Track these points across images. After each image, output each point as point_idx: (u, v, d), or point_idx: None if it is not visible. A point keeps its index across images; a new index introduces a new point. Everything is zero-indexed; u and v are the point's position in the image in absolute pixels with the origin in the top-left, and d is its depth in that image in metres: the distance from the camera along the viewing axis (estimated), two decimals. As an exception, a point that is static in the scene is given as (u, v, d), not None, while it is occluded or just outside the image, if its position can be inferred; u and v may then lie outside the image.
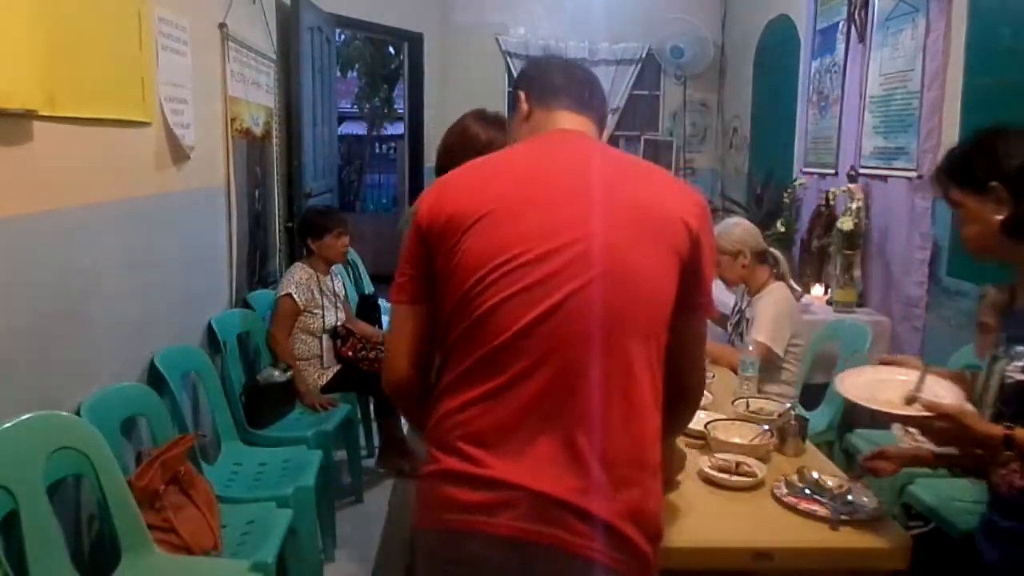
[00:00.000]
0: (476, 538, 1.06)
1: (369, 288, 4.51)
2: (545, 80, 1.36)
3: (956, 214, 1.52)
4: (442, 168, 2.10)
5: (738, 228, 2.78)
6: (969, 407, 1.44)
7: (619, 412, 1.09)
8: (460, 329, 1.13)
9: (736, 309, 2.88)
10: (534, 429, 1.07)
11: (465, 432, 1.09)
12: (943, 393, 1.49)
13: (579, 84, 1.36)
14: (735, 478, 1.72)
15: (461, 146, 2.07)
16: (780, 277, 2.76)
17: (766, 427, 1.90)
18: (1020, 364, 1.36)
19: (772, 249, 2.83)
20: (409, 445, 3.61)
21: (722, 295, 3.72)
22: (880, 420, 1.82)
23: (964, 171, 1.47)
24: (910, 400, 1.46)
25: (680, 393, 1.22)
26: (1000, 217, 1.39)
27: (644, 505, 1.10)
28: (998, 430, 1.34)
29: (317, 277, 3.35)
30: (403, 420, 4.02)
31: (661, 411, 1.15)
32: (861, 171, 3.79)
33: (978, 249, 1.49)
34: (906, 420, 1.53)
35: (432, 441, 1.15)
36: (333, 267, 3.53)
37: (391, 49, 9.57)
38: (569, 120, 1.32)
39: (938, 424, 1.40)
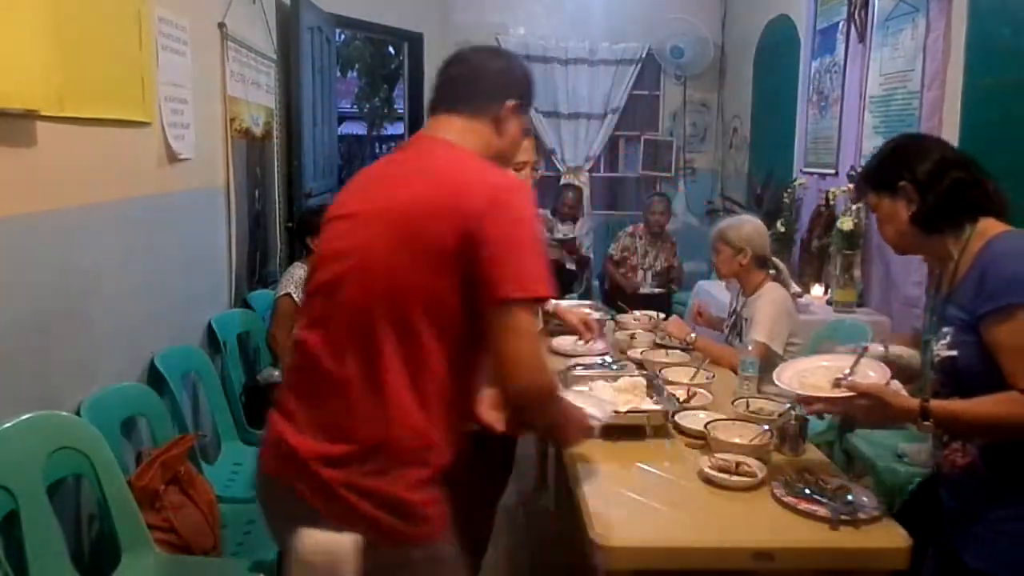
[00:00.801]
0: (259, 476, 1.40)
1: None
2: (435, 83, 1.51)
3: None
4: None
5: (748, 226, 2.77)
6: (895, 384, 1.57)
7: (359, 392, 1.26)
8: None
9: (732, 311, 2.88)
10: (306, 401, 1.32)
11: (277, 403, 1.38)
12: (872, 374, 1.61)
13: (449, 81, 1.48)
14: (735, 478, 1.72)
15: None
16: (782, 283, 2.75)
17: (766, 427, 1.90)
18: (945, 342, 1.49)
19: (775, 259, 2.82)
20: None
21: (719, 294, 3.73)
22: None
23: (877, 175, 1.62)
24: (837, 383, 1.57)
25: (500, 386, 1.28)
26: (910, 212, 1.54)
27: (364, 470, 1.25)
28: (914, 403, 1.47)
29: None
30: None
31: (431, 394, 1.27)
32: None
33: (898, 245, 1.63)
34: (831, 402, 1.62)
35: None
36: None
37: (391, 49, 9.57)
38: (432, 123, 1.45)
39: (860, 403, 1.52)
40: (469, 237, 1.22)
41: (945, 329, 1.50)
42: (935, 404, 1.46)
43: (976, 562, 1.46)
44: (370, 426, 1.26)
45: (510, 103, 1.44)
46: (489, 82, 1.46)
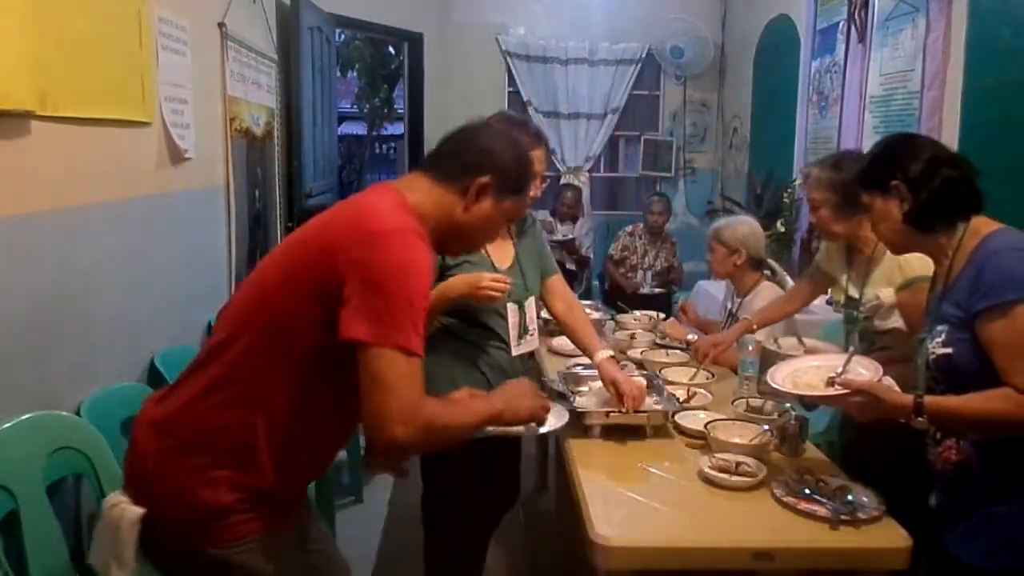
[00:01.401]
0: None
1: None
2: None
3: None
4: None
5: (745, 226, 2.77)
6: (887, 380, 1.59)
7: (198, 385, 1.34)
8: None
9: (727, 312, 2.88)
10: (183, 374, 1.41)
11: None
12: (864, 372, 1.64)
13: (442, 142, 1.50)
14: (735, 478, 1.72)
15: None
16: (777, 285, 2.76)
17: (766, 427, 1.90)
18: (940, 340, 1.50)
19: (770, 261, 2.83)
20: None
21: (719, 294, 3.73)
22: (806, 404, 1.98)
23: (870, 175, 1.63)
24: (831, 382, 1.60)
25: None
26: (903, 211, 1.55)
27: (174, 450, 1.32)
28: (909, 399, 1.49)
29: None
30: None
31: (257, 412, 1.30)
32: (861, 171, 3.78)
33: (893, 244, 1.66)
34: (826, 400, 1.65)
35: None
36: None
37: (391, 49, 9.57)
38: (405, 176, 1.51)
39: (854, 400, 1.55)
40: (336, 274, 1.24)
41: (940, 327, 1.52)
42: (929, 400, 1.47)
43: (968, 557, 1.47)
44: (193, 419, 1.33)
45: (482, 179, 1.43)
46: (469, 154, 1.46)
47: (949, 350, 1.48)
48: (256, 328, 1.32)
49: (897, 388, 1.57)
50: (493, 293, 1.98)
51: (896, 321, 2.09)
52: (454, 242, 1.51)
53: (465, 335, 2.11)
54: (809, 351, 2.28)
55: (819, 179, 2.18)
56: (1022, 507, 1.43)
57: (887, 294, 2.09)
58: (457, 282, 1.98)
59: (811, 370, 1.74)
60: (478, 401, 1.49)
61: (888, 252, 2.08)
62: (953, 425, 1.50)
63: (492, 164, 1.45)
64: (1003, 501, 1.45)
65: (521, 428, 1.58)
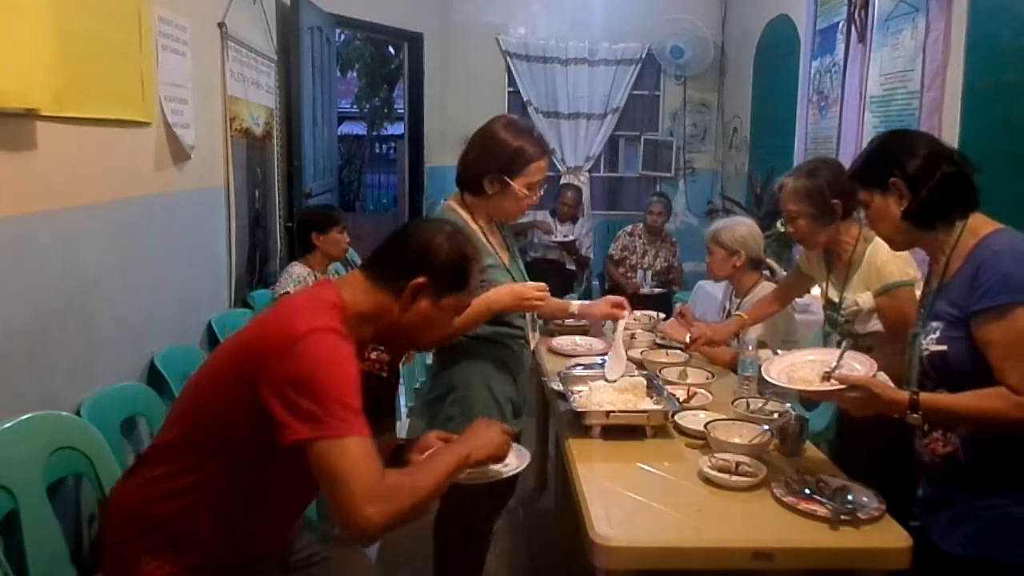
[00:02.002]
0: None
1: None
2: None
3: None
4: (474, 177, 2.04)
5: (743, 227, 2.77)
6: (882, 376, 1.61)
7: (138, 482, 1.42)
8: None
9: (726, 312, 2.88)
10: None
11: None
12: (859, 367, 1.65)
13: (378, 247, 1.53)
14: (735, 478, 1.72)
15: (487, 156, 2.02)
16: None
17: (766, 427, 1.90)
18: (934, 336, 1.52)
19: (769, 261, 2.83)
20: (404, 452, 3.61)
21: (712, 288, 3.73)
22: (803, 400, 2.02)
23: (867, 173, 1.63)
24: (826, 377, 1.62)
25: None
26: (902, 208, 1.55)
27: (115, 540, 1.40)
28: (904, 395, 1.50)
29: (316, 275, 3.34)
30: (402, 418, 4.03)
31: (192, 492, 1.36)
32: (861, 171, 3.78)
33: (893, 241, 1.66)
34: (822, 395, 1.68)
35: None
36: (331, 266, 3.53)
37: (391, 49, 9.56)
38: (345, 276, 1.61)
39: (851, 395, 1.56)
40: (264, 381, 1.27)
41: (934, 323, 1.53)
42: (924, 397, 1.49)
43: (949, 547, 1.51)
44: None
45: (417, 281, 1.44)
46: (404, 254, 1.48)
47: (943, 347, 1.49)
48: (196, 428, 1.38)
49: (892, 384, 1.59)
50: (537, 303, 2.02)
51: (876, 325, 2.09)
52: (397, 339, 1.54)
53: (495, 337, 2.12)
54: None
55: (795, 190, 2.17)
56: (1005, 499, 1.45)
57: (866, 299, 2.09)
58: (504, 296, 2.00)
59: (806, 365, 1.74)
60: (441, 454, 1.46)
61: (867, 256, 2.10)
62: (947, 422, 1.52)
63: (428, 264, 1.45)
64: (987, 493, 1.47)
65: (491, 471, 1.57)
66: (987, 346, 1.42)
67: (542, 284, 2.06)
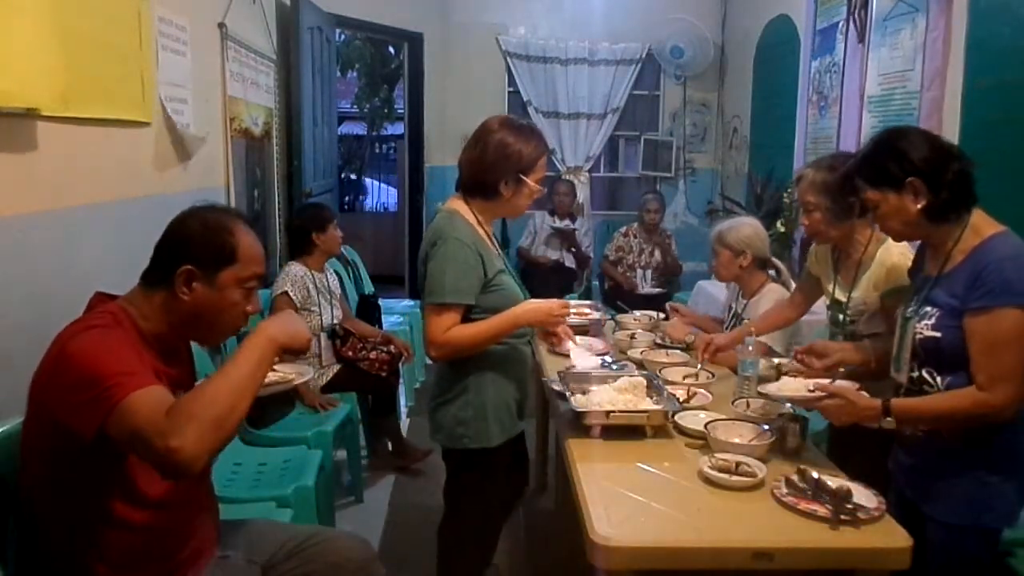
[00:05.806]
0: None
1: (369, 288, 4.52)
2: None
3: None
4: (490, 183, 2.04)
5: (748, 228, 2.76)
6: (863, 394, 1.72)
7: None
8: None
9: (732, 312, 2.88)
10: None
11: None
12: (841, 379, 1.82)
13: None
14: (735, 478, 1.72)
15: (505, 161, 2.03)
16: (782, 284, 2.75)
17: (766, 427, 1.90)
18: (929, 323, 1.64)
19: (775, 260, 2.82)
20: (407, 443, 3.61)
21: (720, 294, 3.73)
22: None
23: (878, 173, 1.67)
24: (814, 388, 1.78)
25: None
26: (920, 206, 1.62)
27: None
28: (877, 402, 1.65)
29: (312, 275, 3.34)
30: (402, 418, 4.03)
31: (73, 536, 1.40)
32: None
33: (902, 235, 1.75)
34: (803, 402, 1.82)
35: None
36: (327, 264, 3.53)
37: (391, 49, 9.56)
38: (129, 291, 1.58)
39: (829, 402, 1.72)
40: (51, 409, 1.32)
41: (929, 309, 1.64)
42: (896, 402, 1.65)
43: (939, 515, 1.66)
44: None
45: (182, 269, 1.43)
46: (162, 253, 1.48)
47: (938, 334, 1.62)
48: (30, 461, 1.41)
49: (857, 391, 1.72)
50: (561, 320, 2.11)
51: (880, 326, 2.09)
52: (196, 332, 1.53)
53: (515, 344, 2.14)
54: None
55: (814, 182, 2.15)
56: (988, 469, 1.61)
57: (874, 299, 2.09)
58: (531, 314, 2.04)
59: (799, 381, 1.95)
60: (236, 351, 1.42)
61: (877, 258, 2.10)
62: (918, 423, 1.69)
63: (186, 250, 1.45)
64: (971, 467, 1.62)
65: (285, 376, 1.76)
66: (970, 337, 1.56)
67: (565, 301, 2.14)
